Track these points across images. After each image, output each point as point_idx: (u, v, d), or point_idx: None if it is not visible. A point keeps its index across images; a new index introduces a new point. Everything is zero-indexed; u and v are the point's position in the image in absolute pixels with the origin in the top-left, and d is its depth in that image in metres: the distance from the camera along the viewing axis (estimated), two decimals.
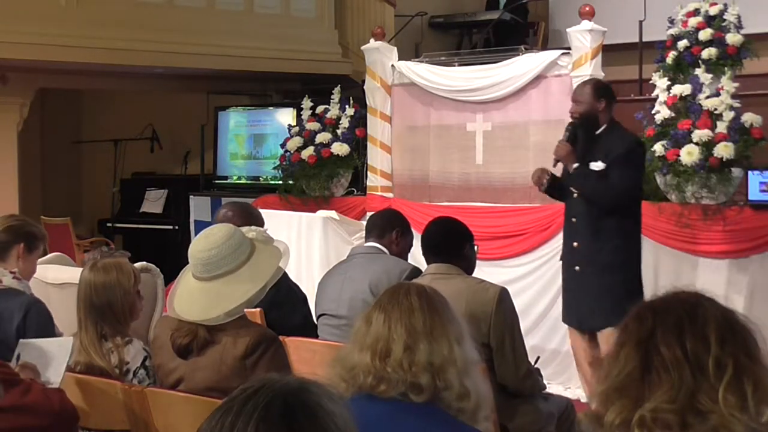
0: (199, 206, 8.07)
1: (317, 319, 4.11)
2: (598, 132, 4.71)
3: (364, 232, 6.00)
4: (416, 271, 3.90)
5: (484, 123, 6.16)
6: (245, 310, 3.01)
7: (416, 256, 4.04)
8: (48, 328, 3.51)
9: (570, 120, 4.83)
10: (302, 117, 7.44)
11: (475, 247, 3.87)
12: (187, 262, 3.03)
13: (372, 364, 2.08)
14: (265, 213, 5.70)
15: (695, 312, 1.55)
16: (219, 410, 1.26)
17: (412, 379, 2.05)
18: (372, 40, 6.75)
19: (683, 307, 1.56)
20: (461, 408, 2.07)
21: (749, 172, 5.15)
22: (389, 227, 4.28)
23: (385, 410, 2.06)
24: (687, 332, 1.52)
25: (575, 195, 4.76)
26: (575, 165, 4.70)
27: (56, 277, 4.47)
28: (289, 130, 7.53)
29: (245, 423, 1.22)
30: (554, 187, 4.87)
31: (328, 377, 2.17)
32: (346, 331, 3.81)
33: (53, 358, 3.08)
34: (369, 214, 6.64)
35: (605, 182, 4.61)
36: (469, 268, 3.76)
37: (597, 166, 4.66)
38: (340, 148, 6.98)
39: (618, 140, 4.68)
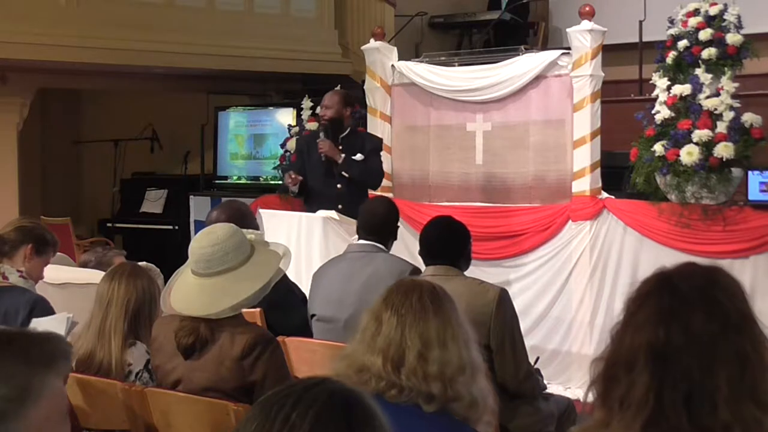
0: (199, 206, 8.05)
1: (310, 319, 4.05)
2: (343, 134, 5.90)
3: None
4: (416, 272, 3.86)
5: (484, 123, 6.15)
6: (243, 310, 3.02)
7: (416, 256, 4.01)
8: None
9: (323, 122, 5.97)
10: (302, 117, 7.42)
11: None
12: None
13: (384, 369, 2.07)
14: (265, 213, 5.71)
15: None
16: (270, 402, 1.27)
17: (426, 388, 2.05)
18: (372, 40, 6.73)
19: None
20: (468, 417, 2.08)
21: (749, 172, 5.15)
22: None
23: (392, 414, 2.06)
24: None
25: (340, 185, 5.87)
26: (343, 156, 5.82)
27: (56, 277, 4.46)
28: (289, 130, 7.52)
29: (304, 411, 1.24)
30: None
31: (333, 373, 2.16)
32: (336, 334, 3.78)
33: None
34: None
35: (369, 167, 5.90)
36: (466, 268, 3.74)
37: (358, 158, 5.88)
38: None
39: (366, 139, 6.10)
